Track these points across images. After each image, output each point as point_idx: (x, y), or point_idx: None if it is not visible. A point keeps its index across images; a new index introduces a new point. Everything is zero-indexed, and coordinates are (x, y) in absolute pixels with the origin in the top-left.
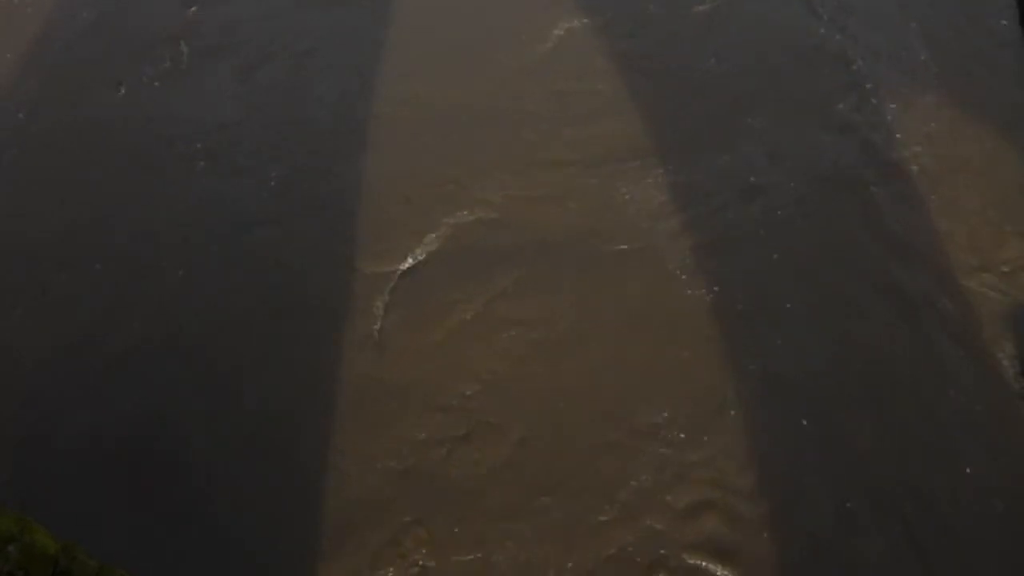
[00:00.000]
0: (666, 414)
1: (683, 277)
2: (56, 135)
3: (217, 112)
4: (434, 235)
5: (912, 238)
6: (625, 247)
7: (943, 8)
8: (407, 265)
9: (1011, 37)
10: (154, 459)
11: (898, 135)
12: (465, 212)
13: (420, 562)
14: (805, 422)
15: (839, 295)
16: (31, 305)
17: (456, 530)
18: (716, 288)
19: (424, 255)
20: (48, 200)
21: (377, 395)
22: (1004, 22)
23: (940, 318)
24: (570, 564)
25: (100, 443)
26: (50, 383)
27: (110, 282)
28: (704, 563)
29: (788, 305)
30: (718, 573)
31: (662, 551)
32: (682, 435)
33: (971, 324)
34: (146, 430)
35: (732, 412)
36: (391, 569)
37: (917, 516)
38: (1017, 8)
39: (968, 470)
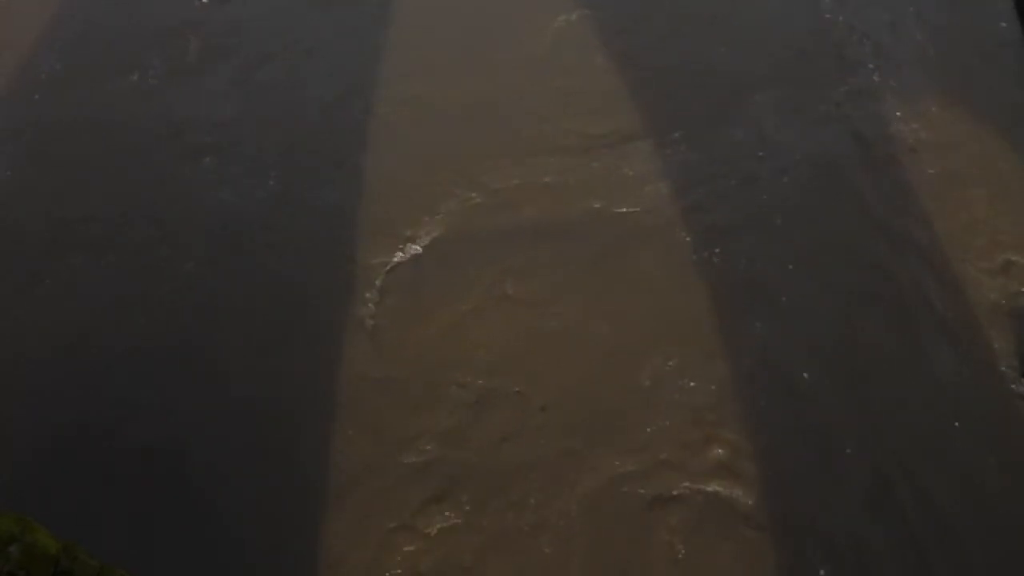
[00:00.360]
0: (671, 364)
1: (687, 247)
2: (63, 128)
3: (220, 110)
4: (435, 224)
5: (911, 234)
6: (629, 224)
7: (944, 8)
8: (409, 255)
9: (1011, 37)
10: (154, 459)
11: (898, 132)
12: (465, 201)
13: (448, 531)
14: (806, 374)
15: (838, 292)
16: (30, 304)
17: (479, 497)
18: (719, 255)
19: (428, 241)
20: (49, 194)
21: (386, 381)
22: (1004, 24)
23: (939, 316)
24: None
25: (100, 443)
26: (50, 383)
27: (110, 280)
28: (713, 496)
29: (785, 294)
30: (724, 507)
31: (675, 488)
32: (692, 384)
33: (970, 322)
34: (146, 430)
35: (737, 366)
36: (412, 547)
37: (916, 514)
38: (1015, 9)
39: (966, 469)
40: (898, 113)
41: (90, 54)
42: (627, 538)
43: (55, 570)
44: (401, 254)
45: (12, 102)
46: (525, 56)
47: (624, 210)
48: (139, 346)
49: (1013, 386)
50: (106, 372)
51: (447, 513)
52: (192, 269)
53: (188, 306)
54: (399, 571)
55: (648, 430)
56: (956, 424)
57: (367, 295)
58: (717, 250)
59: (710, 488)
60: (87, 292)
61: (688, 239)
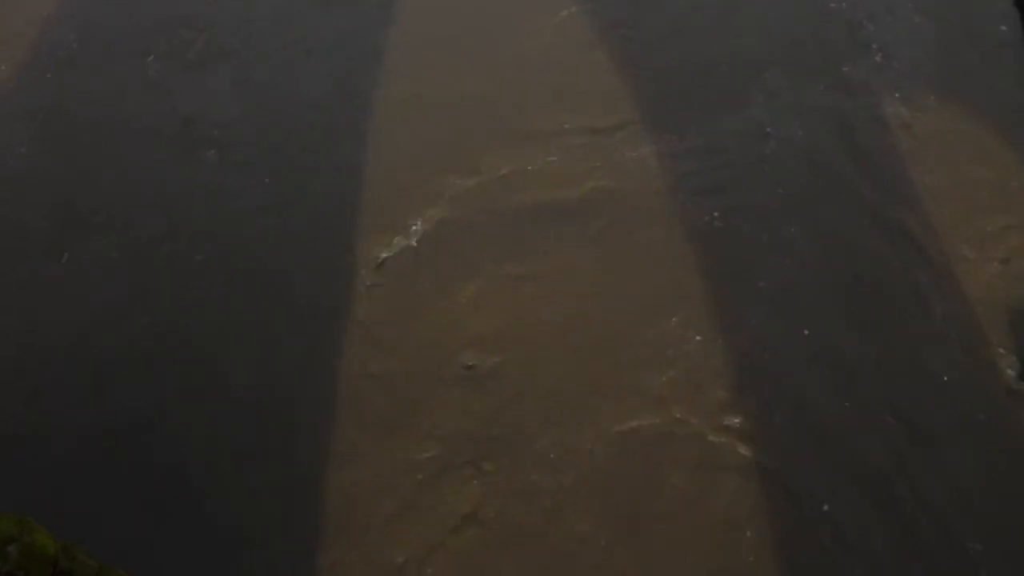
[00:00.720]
0: (675, 320)
1: (688, 223)
2: (69, 120)
3: (221, 107)
4: (435, 213)
5: (910, 229)
6: (630, 203)
7: (944, 8)
8: (409, 244)
9: (1011, 37)
10: (153, 458)
11: (898, 130)
12: (464, 190)
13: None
14: (806, 331)
15: (836, 287)
16: (33, 300)
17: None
18: (719, 231)
19: (428, 230)
20: (51, 191)
21: (391, 372)
22: (1003, 28)
23: (939, 314)
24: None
25: (100, 442)
26: (50, 382)
27: (110, 278)
28: (719, 446)
29: (782, 289)
30: (729, 457)
31: (684, 439)
32: (698, 337)
33: (970, 321)
34: (146, 429)
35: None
36: (421, 533)
37: (916, 517)
38: (1015, 9)
39: (965, 468)
40: (898, 111)
41: (89, 53)
42: (639, 486)
43: (54, 570)
44: (402, 243)
45: (14, 98)
46: (525, 54)
47: (625, 190)
48: (139, 344)
49: (1013, 386)
50: (105, 371)
51: (454, 497)
52: (192, 267)
53: (187, 304)
54: (406, 560)
55: (659, 387)
56: (956, 425)
57: (368, 286)
58: (718, 223)
59: (718, 440)
60: (87, 289)
61: (689, 217)
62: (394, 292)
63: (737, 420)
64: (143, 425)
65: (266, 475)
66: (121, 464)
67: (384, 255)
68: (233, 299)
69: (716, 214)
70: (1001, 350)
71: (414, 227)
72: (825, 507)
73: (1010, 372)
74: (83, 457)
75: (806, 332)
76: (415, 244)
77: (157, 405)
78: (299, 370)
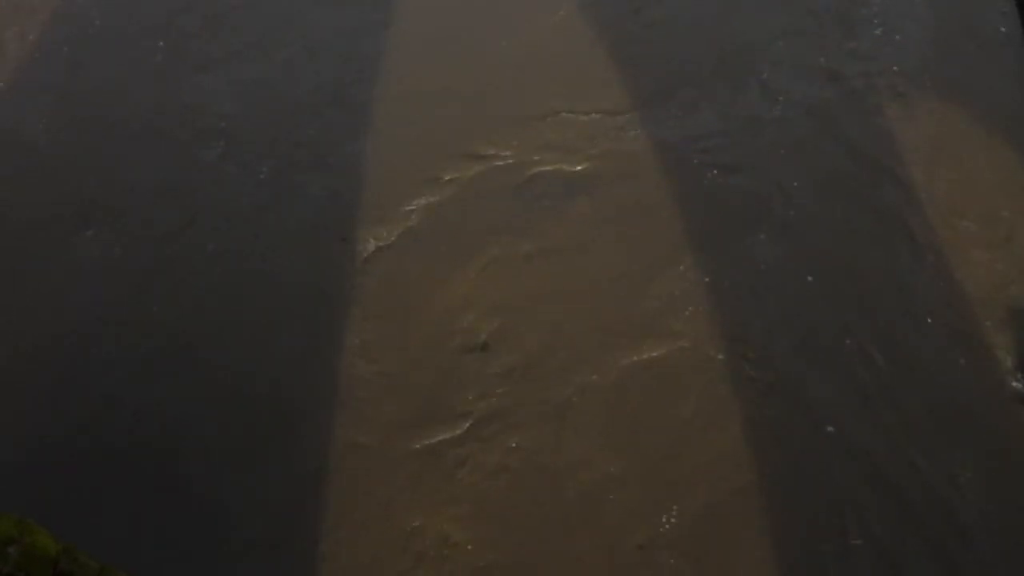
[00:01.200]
0: (683, 267)
1: (690, 182)
2: (72, 108)
3: (221, 105)
4: (433, 202)
5: (908, 224)
6: (635, 172)
7: (943, 8)
8: (408, 236)
9: (1011, 37)
10: (153, 459)
11: (898, 132)
12: (465, 178)
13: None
14: (809, 277)
15: (834, 280)
16: (26, 302)
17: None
18: (724, 186)
19: (425, 218)
20: (49, 186)
21: (395, 367)
22: (1003, 29)
23: (939, 310)
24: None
25: (100, 443)
26: (49, 381)
27: (107, 276)
28: (724, 374)
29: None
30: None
31: (692, 368)
32: (707, 279)
33: (969, 318)
34: (146, 428)
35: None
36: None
37: (923, 513)
38: (1016, 9)
39: (964, 468)
40: (898, 109)
41: (90, 56)
42: (656, 418)
43: (55, 572)
44: (403, 234)
45: (14, 99)
46: (526, 50)
47: (628, 166)
48: (138, 344)
49: (1013, 385)
50: (105, 370)
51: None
52: (189, 265)
53: (188, 304)
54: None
55: (672, 324)
56: (956, 425)
57: (369, 279)
58: (719, 187)
59: (721, 359)
60: (87, 288)
61: (691, 183)
62: (397, 282)
63: (746, 351)
64: (142, 424)
65: (266, 474)
66: (121, 463)
67: (385, 246)
68: (233, 298)
69: (716, 171)
70: (1000, 345)
71: (415, 218)
72: (830, 428)
73: (1008, 363)
74: (83, 457)
75: (809, 279)
76: (416, 235)
77: (157, 404)
78: (300, 369)
